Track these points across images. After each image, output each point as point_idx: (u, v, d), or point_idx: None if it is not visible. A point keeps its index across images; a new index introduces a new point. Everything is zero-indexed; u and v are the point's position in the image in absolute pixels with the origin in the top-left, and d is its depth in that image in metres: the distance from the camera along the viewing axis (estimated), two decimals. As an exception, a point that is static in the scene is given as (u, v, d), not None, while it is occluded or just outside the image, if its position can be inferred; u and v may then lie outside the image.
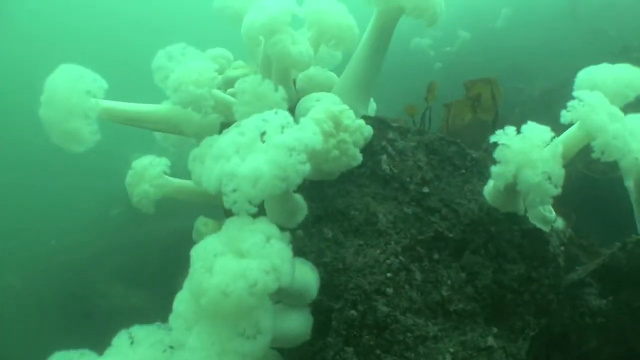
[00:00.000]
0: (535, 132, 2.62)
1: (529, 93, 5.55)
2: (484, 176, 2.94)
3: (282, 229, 2.67)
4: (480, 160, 2.98)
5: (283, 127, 2.32)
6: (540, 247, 2.82)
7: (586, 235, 3.66)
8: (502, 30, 7.92)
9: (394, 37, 3.10)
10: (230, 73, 3.17)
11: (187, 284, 2.34)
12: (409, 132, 3.02)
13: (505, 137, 2.59)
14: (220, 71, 3.41)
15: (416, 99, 6.78)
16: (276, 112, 2.37)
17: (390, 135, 2.98)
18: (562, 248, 2.90)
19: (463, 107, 3.17)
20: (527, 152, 2.54)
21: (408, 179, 2.88)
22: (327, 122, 2.53)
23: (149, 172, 2.93)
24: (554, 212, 2.90)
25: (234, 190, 2.20)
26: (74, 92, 2.78)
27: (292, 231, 2.71)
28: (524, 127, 2.63)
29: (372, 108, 5.23)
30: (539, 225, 2.83)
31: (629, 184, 2.92)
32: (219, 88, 3.21)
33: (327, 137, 2.53)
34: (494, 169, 2.61)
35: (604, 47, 6.34)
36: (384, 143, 2.95)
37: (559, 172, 2.56)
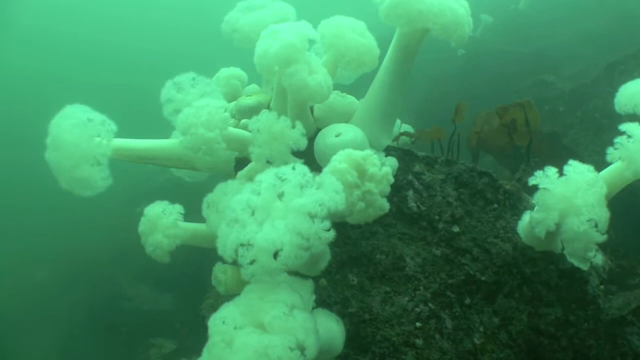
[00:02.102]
0: (578, 172, 2.27)
1: (558, 87, 5.12)
2: (518, 210, 2.62)
3: (304, 277, 2.44)
4: (513, 193, 2.65)
5: (302, 187, 2.02)
6: (578, 288, 2.53)
7: (625, 253, 3.34)
8: (526, 12, 7.34)
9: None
10: (243, 101, 2.83)
11: (206, 356, 2.10)
12: (437, 162, 2.69)
13: (546, 179, 2.26)
14: (233, 94, 3.08)
15: (440, 88, 6.37)
16: (294, 168, 2.07)
17: (417, 167, 2.66)
18: (602, 287, 2.59)
19: (497, 135, 2.82)
20: (571, 197, 2.22)
21: (437, 217, 2.57)
22: (351, 172, 2.21)
23: (162, 222, 2.64)
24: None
25: (252, 262, 1.93)
26: (83, 138, 2.49)
27: (315, 279, 2.44)
28: (566, 168, 2.28)
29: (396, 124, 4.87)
30: (577, 264, 2.52)
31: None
32: (232, 116, 2.89)
33: (351, 189, 2.21)
34: (534, 215, 2.29)
35: (633, 29, 5.83)
36: (410, 177, 2.63)
37: (605, 217, 2.24)
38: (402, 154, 2.69)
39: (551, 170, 2.27)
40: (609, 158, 2.34)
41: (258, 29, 2.78)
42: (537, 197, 2.26)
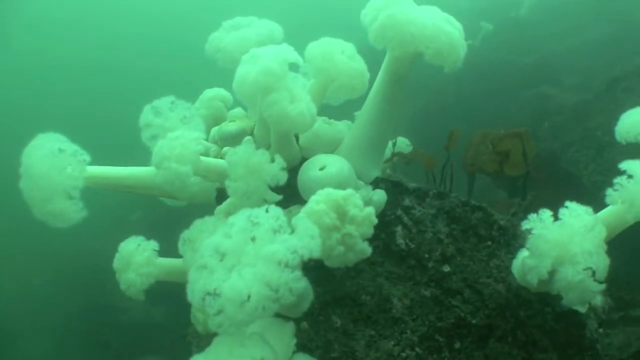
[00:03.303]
0: (575, 215, 2.05)
1: (559, 101, 4.86)
2: (513, 247, 2.41)
3: (286, 318, 2.25)
4: (508, 229, 2.44)
5: (275, 231, 1.83)
6: (575, 332, 2.32)
7: (626, 283, 3.13)
8: (527, 19, 7.03)
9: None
10: (226, 127, 2.61)
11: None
12: (428, 195, 2.47)
13: (540, 224, 2.05)
14: (217, 116, 2.87)
15: (438, 98, 6.12)
16: (267, 210, 1.89)
17: (406, 201, 2.45)
18: (601, 330, 2.37)
19: (489, 163, 2.60)
20: (566, 244, 2.00)
21: (426, 255, 2.36)
22: (329, 213, 2.00)
23: (135, 259, 2.45)
24: (592, 289, 2.36)
25: (219, 312, 1.75)
26: (53, 171, 2.30)
27: (298, 321, 2.25)
28: (562, 211, 2.06)
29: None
30: (574, 307, 2.30)
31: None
32: (214, 142, 2.69)
33: (330, 232, 2.00)
34: (527, 261, 2.08)
35: (636, 38, 5.55)
36: (399, 212, 2.42)
37: (604, 265, 2.02)
38: (392, 186, 2.47)
39: (546, 214, 2.06)
40: (608, 200, 2.12)
41: (242, 48, 2.58)
42: (530, 243, 2.05)
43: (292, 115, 2.25)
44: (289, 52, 2.36)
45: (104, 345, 4.73)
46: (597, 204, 2.23)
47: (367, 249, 2.08)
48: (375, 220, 2.10)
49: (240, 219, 1.91)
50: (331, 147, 2.52)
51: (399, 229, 2.39)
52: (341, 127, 2.59)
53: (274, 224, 1.85)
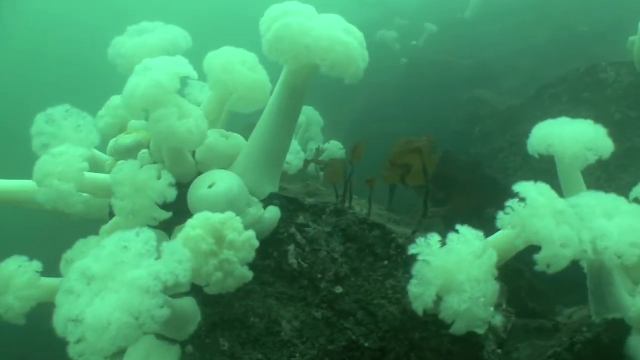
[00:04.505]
0: (464, 241, 1.93)
1: (493, 105, 4.75)
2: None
3: (171, 341, 2.11)
4: (407, 248, 2.30)
5: (142, 256, 1.71)
6: (473, 354, 2.19)
7: (539, 293, 3.04)
8: (471, 22, 6.89)
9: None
10: (121, 140, 2.43)
11: None
12: (325, 212, 2.32)
13: (427, 249, 1.92)
14: (122, 125, 2.69)
15: (379, 99, 5.97)
16: (138, 234, 1.78)
17: (301, 219, 2.30)
18: (500, 351, 2.27)
19: (390, 176, 2.46)
20: (453, 271, 1.88)
21: (319, 276, 2.22)
22: (206, 239, 1.86)
23: (15, 282, 2.25)
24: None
25: (80, 341, 1.64)
26: None
27: (183, 344, 2.11)
28: (451, 236, 1.94)
29: (318, 121, 4.44)
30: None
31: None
32: (110, 155, 2.51)
33: (207, 258, 1.86)
34: (412, 289, 1.95)
35: (574, 44, 5.48)
36: (292, 230, 2.28)
37: (492, 292, 1.92)
38: (287, 202, 2.32)
39: (434, 239, 1.93)
40: (498, 224, 1.99)
41: (142, 54, 2.41)
42: (415, 269, 1.93)
43: (180, 132, 2.10)
44: (181, 65, 2.19)
45: (23, 359, 4.49)
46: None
47: (247, 274, 1.95)
48: (257, 244, 1.98)
49: (111, 242, 1.80)
50: (227, 161, 2.36)
51: (291, 247, 2.25)
52: (239, 140, 2.42)
53: (142, 249, 1.75)
